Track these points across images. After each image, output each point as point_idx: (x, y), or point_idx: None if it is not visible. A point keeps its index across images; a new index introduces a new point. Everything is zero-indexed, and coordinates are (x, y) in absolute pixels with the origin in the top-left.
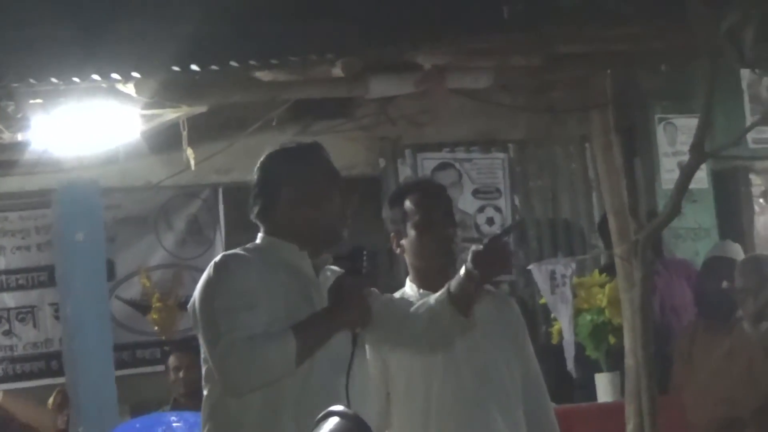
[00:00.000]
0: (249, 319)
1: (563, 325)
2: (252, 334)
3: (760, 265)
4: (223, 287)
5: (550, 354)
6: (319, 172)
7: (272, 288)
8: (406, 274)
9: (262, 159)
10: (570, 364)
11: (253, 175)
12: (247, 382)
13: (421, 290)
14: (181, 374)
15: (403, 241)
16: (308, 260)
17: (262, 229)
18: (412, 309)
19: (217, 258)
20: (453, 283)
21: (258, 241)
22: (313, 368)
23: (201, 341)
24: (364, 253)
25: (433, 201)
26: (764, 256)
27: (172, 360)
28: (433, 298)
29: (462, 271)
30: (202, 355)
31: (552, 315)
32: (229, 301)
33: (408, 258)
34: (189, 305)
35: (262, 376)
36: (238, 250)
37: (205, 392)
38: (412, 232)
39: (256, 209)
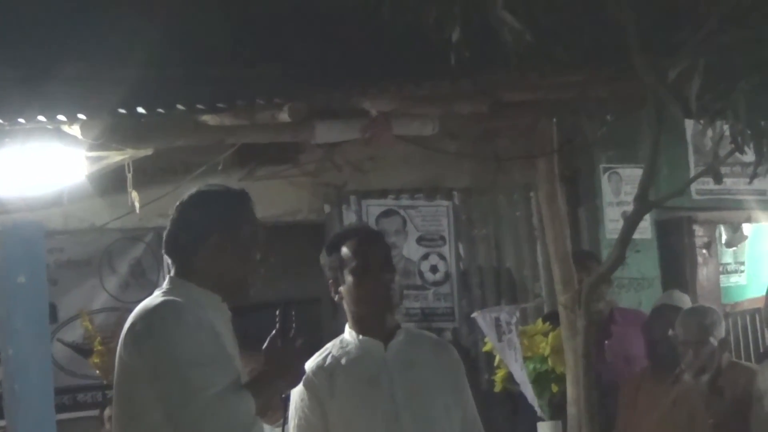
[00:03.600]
0: (214, 373)
1: (515, 371)
2: (219, 391)
3: (701, 318)
4: (186, 339)
5: (504, 402)
6: (248, 223)
7: (215, 339)
8: (346, 321)
9: (188, 197)
10: (538, 409)
11: (176, 211)
12: None
13: (360, 336)
14: None
15: (341, 288)
16: (227, 312)
17: (173, 271)
18: None
19: (161, 305)
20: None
21: (173, 286)
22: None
23: (159, 394)
24: (293, 313)
25: (370, 247)
26: (705, 308)
27: (109, 410)
28: None
29: None
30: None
31: (495, 362)
32: (194, 355)
33: (346, 305)
34: (129, 351)
35: None
36: (174, 298)
37: None
38: (349, 279)
39: (174, 248)
